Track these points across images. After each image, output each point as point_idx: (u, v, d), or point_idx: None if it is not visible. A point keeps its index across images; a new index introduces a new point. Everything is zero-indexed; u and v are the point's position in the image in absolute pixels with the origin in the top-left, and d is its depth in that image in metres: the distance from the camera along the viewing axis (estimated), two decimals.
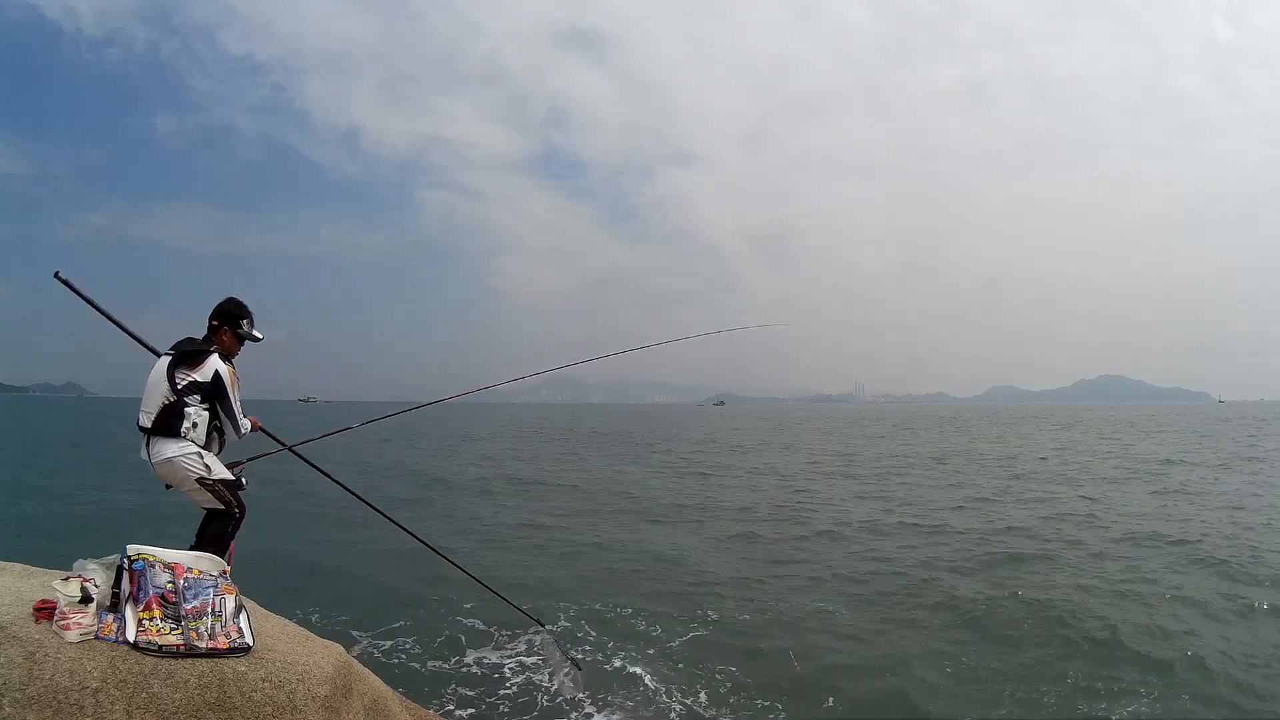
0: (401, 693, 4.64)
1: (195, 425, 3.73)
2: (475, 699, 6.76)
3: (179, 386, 3.71)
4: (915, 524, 15.11)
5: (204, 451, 3.79)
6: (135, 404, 3.76)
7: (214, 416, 3.85)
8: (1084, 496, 18.60)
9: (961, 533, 14.08)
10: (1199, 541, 12.73)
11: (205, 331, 4.03)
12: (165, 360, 3.77)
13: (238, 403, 3.93)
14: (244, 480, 4.00)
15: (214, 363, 3.82)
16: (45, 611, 2.81)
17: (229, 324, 4.05)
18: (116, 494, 18.86)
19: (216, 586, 3.21)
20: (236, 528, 3.90)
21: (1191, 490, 19.87)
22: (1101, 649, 7.82)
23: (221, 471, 3.85)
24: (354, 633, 8.34)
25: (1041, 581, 10.34)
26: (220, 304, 4.10)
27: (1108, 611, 8.89)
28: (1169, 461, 28.56)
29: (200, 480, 3.74)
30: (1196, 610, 9.08)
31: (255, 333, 4.19)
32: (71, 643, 2.73)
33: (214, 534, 3.82)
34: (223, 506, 3.82)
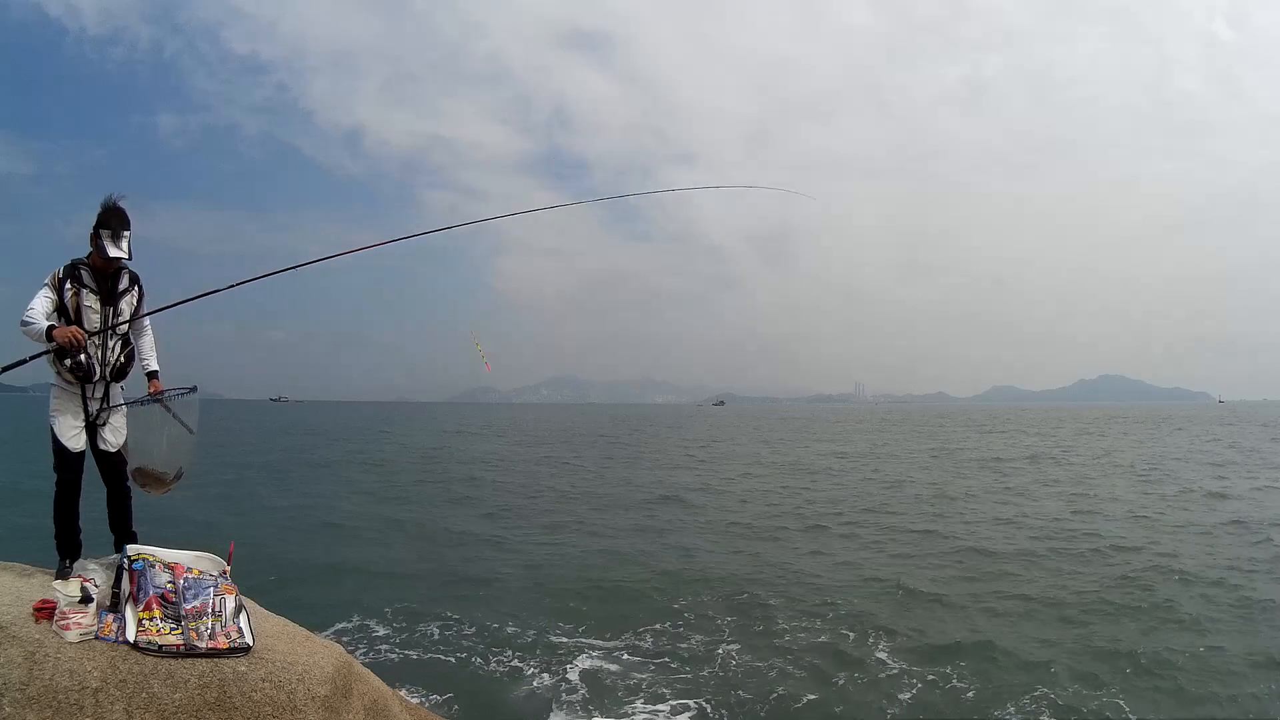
0: (401, 692, 4.64)
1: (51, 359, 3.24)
2: (477, 699, 6.76)
3: None
4: None
5: (58, 388, 3.29)
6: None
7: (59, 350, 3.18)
8: None
9: None
10: None
11: None
12: None
13: (35, 309, 3.20)
14: (80, 450, 3.33)
15: None
16: (45, 611, 2.81)
17: (93, 231, 3.28)
18: None
19: (216, 586, 3.21)
20: (57, 500, 3.34)
21: None
22: None
23: (61, 425, 3.29)
24: (354, 632, 8.34)
25: None
26: None
27: None
28: None
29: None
30: None
31: (108, 246, 3.21)
32: (71, 643, 2.73)
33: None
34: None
